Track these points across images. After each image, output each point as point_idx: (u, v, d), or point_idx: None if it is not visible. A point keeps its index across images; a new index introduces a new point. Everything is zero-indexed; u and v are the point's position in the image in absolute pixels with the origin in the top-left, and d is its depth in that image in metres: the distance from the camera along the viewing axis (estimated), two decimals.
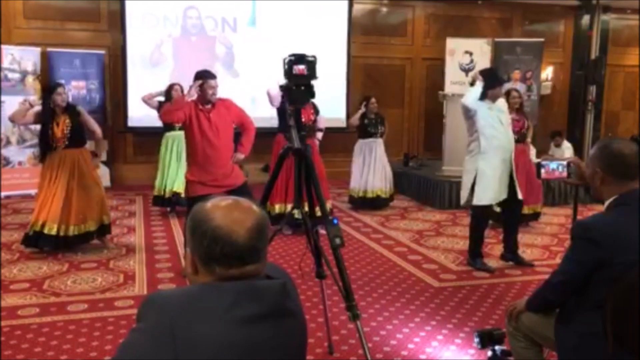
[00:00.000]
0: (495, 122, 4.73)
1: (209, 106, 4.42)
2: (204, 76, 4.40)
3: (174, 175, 6.73)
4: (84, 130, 5.16)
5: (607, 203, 2.21)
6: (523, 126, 6.06)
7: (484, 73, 4.93)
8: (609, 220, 2.16)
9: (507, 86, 7.25)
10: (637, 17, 10.88)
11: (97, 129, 5.30)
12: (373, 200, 7.29)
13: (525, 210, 6.20)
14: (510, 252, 5.12)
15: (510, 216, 5.06)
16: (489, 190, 4.76)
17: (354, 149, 7.43)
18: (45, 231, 5.00)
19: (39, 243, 5.08)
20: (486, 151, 4.73)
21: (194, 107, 4.40)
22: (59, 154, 5.03)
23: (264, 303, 1.28)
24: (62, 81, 8.07)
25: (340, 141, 9.11)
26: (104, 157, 5.44)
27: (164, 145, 6.89)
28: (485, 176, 4.74)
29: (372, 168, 7.23)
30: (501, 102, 4.94)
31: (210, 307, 1.23)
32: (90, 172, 5.18)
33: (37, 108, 5.07)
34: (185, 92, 4.63)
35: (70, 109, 5.08)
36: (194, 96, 4.39)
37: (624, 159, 2.17)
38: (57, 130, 4.98)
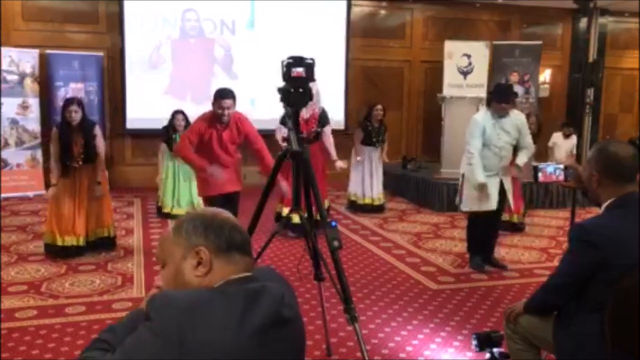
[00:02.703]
0: (493, 139, 4.70)
1: (223, 125, 4.37)
2: (218, 94, 4.31)
3: (187, 196, 6.76)
4: (96, 149, 5.06)
5: (604, 206, 2.21)
6: None
7: (496, 86, 5.00)
8: (606, 223, 2.16)
9: None
10: (635, 19, 10.92)
11: (102, 154, 5.16)
12: (373, 206, 7.30)
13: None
14: (485, 256, 5.09)
15: (490, 222, 5.01)
16: (470, 198, 4.81)
17: (354, 151, 7.41)
18: (59, 243, 5.01)
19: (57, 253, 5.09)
20: (473, 163, 4.75)
21: (208, 125, 4.34)
22: (74, 172, 4.97)
23: (267, 312, 1.29)
24: (60, 83, 8.16)
25: (339, 144, 9.06)
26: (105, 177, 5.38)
27: (168, 159, 6.84)
28: (470, 183, 4.80)
29: (373, 177, 7.23)
30: (513, 120, 4.78)
31: (216, 315, 1.24)
32: (101, 184, 5.14)
33: None
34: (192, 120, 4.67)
35: (87, 128, 4.98)
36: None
37: (621, 161, 2.17)
38: (75, 149, 4.91)
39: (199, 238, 1.34)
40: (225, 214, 1.41)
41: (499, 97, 4.73)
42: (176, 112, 6.79)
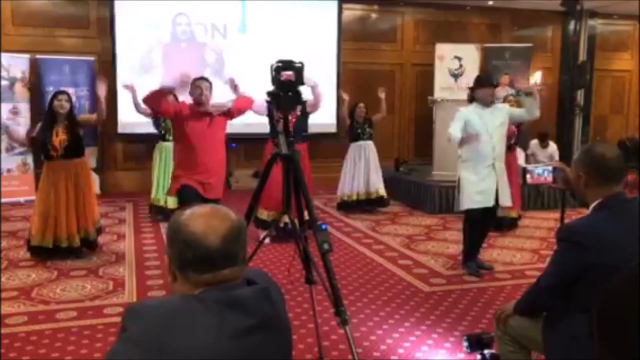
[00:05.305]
0: (481, 129, 4.72)
1: (203, 109, 4.42)
2: (195, 79, 4.43)
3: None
4: (83, 141, 5.06)
5: (591, 206, 2.23)
6: (512, 134, 6.12)
7: (475, 77, 5.04)
8: (594, 223, 2.17)
9: (500, 92, 7.32)
10: (624, 22, 11.00)
11: (98, 117, 5.11)
12: (369, 200, 7.37)
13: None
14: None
15: (486, 224, 5.03)
16: (469, 196, 4.80)
17: (346, 154, 7.50)
18: (44, 244, 4.98)
19: (39, 254, 5.07)
20: (467, 160, 4.81)
21: (190, 108, 4.42)
22: (57, 164, 4.95)
23: (247, 314, 1.28)
24: (51, 88, 8.11)
25: (331, 146, 9.13)
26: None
27: (157, 154, 6.86)
28: (467, 183, 4.80)
29: (361, 171, 7.30)
30: (499, 109, 4.91)
31: (194, 322, 1.23)
32: (87, 184, 5.13)
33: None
34: (180, 99, 4.66)
35: (71, 120, 4.96)
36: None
37: (606, 162, 2.19)
38: (55, 139, 4.90)
39: (168, 246, 1.36)
40: (193, 226, 1.30)
41: (482, 83, 4.83)
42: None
